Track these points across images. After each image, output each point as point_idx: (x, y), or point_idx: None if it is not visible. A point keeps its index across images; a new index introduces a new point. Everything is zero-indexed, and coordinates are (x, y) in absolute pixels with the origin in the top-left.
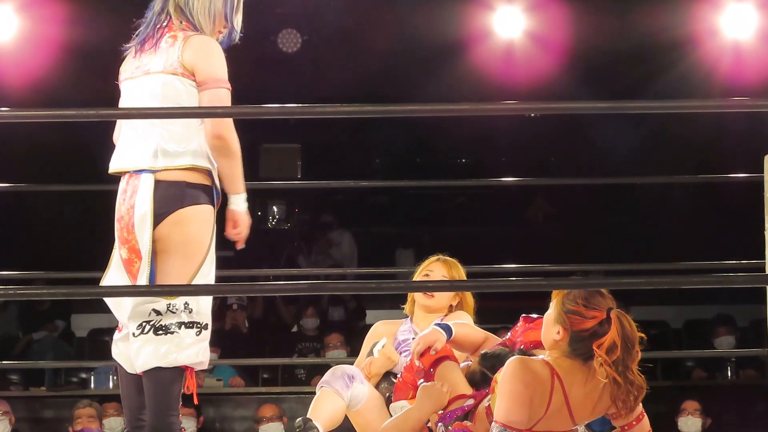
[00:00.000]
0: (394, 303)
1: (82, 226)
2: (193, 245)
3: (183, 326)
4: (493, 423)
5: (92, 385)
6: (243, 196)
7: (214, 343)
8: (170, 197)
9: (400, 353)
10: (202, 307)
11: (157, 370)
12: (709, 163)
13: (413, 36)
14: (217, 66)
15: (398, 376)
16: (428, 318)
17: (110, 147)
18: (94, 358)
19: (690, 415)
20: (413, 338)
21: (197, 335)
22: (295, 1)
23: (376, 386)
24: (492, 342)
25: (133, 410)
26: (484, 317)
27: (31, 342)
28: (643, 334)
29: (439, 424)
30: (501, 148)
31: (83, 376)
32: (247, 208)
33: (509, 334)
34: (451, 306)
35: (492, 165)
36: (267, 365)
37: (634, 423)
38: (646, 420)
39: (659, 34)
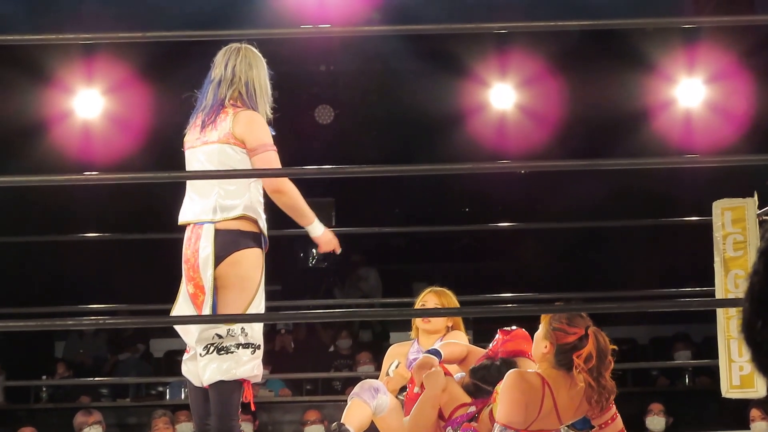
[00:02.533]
0: (411, 326)
1: (153, 267)
2: (247, 281)
3: (240, 347)
4: (495, 424)
5: (167, 397)
6: (315, 223)
7: (266, 361)
8: (227, 242)
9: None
10: (255, 331)
11: (220, 383)
12: (667, 209)
13: (423, 108)
14: (262, 134)
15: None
16: (430, 338)
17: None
18: (169, 375)
19: (655, 415)
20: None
21: (252, 354)
22: (328, 82)
23: (396, 397)
24: (475, 353)
25: (201, 417)
26: (487, 337)
27: (118, 362)
28: (614, 347)
29: (448, 428)
30: (496, 199)
31: (160, 389)
32: (324, 229)
33: (491, 345)
34: (447, 327)
35: (489, 213)
36: (309, 378)
37: (609, 422)
38: (619, 420)
39: (624, 104)
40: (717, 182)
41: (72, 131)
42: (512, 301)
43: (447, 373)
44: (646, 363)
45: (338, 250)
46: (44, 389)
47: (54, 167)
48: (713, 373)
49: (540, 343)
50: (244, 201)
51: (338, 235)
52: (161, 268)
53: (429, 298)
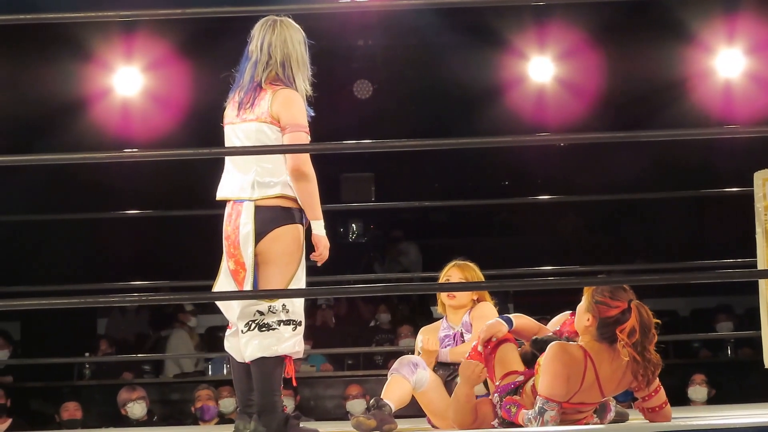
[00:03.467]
0: None
1: (194, 243)
2: (288, 257)
3: (282, 323)
4: (537, 396)
5: (210, 373)
6: (321, 222)
7: (307, 336)
8: (268, 219)
9: (444, 347)
10: (297, 307)
11: (262, 360)
12: (707, 180)
13: (462, 81)
14: (297, 114)
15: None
16: (458, 313)
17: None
18: (211, 350)
19: (698, 385)
20: (452, 332)
21: (293, 330)
22: (366, 56)
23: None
24: (544, 331)
25: (244, 392)
26: (526, 311)
27: (160, 339)
28: (658, 320)
29: (495, 394)
30: (535, 173)
31: (202, 365)
32: (324, 233)
33: (559, 327)
34: (473, 300)
35: (529, 186)
36: (351, 353)
37: (652, 394)
38: (662, 391)
39: (662, 75)
40: (757, 153)
41: (111, 108)
42: (553, 274)
43: (512, 341)
44: (687, 335)
45: (320, 264)
46: (87, 366)
47: (93, 145)
48: (756, 344)
49: (582, 316)
50: (282, 178)
51: (378, 210)
52: (202, 245)
53: (453, 272)
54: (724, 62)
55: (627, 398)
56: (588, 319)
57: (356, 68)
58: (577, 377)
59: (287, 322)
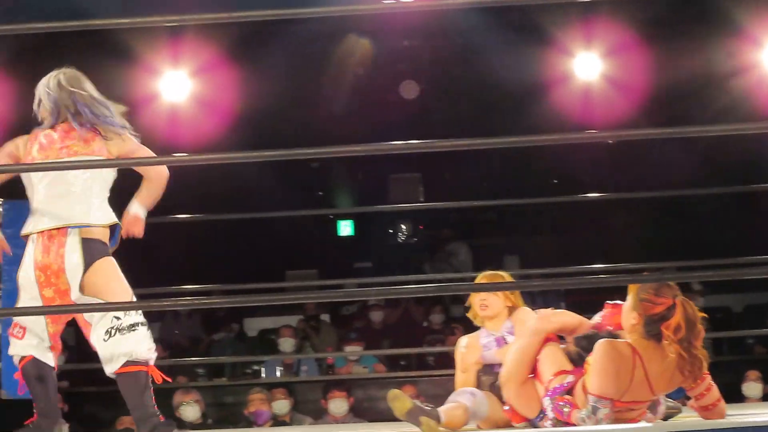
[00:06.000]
0: None
1: (244, 247)
2: None
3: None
4: (588, 395)
5: (263, 375)
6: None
7: (359, 338)
8: None
9: (488, 350)
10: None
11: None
12: (758, 175)
13: (507, 80)
14: None
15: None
16: (495, 322)
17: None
18: (264, 353)
19: (752, 381)
20: (493, 337)
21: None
22: (413, 58)
23: (477, 382)
24: (585, 325)
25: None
26: (577, 309)
27: (213, 342)
28: (704, 315)
29: (546, 398)
30: (584, 170)
31: (255, 368)
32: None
33: (600, 319)
34: (507, 308)
35: (578, 184)
36: (403, 354)
37: (704, 393)
38: (715, 389)
39: (710, 70)
40: None
41: (159, 114)
42: (602, 272)
43: (555, 340)
44: (741, 331)
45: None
46: None
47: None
48: None
49: (629, 314)
50: None
51: (427, 211)
52: (252, 248)
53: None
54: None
55: (680, 395)
56: (634, 317)
57: (402, 69)
58: (626, 374)
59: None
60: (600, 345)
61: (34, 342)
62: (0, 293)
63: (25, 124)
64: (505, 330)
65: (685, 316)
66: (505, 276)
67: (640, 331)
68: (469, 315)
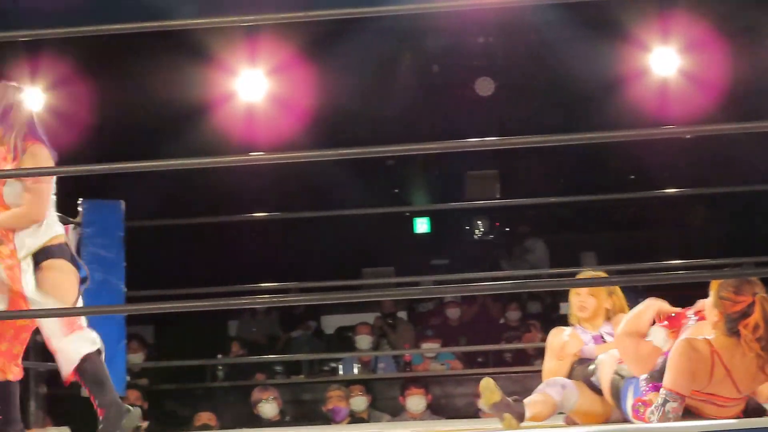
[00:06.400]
0: None
1: (320, 244)
2: None
3: None
4: (661, 389)
5: (340, 372)
6: None
7: (436, 335)
8: None
9: (587, 344)
10: None
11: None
12: None
13: (583, 76)
14: None
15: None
16: (593, 324)
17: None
18: (341, 351)
19: None
20: (592, 335)
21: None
22: (488, 54)
23: (570, 372)
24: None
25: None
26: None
27: (290, 339)
28: None
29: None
30: (661, 166)
31: (333, 365)
32: None
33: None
34: (606, 310)
35: (655, 180)
36: (480, 351)
37: None
38: None
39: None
40: None
41: (235, 113)
42: (682, 268)
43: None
44: None
45: None
46: (220, 368)
47: (218, 149)
48: None
49: (710, 312)
50: None
51: (504, 207)
52: (328, 246)
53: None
54: None
55: None
56: (716, 315)
57: (478, 66)
58: (704, 372)
59: None
60: (679, 343)
61: None
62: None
63: (108, 122)
64: (604, 331)
65: (764, 314)
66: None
67: (722, 328)
68: (571, 320)
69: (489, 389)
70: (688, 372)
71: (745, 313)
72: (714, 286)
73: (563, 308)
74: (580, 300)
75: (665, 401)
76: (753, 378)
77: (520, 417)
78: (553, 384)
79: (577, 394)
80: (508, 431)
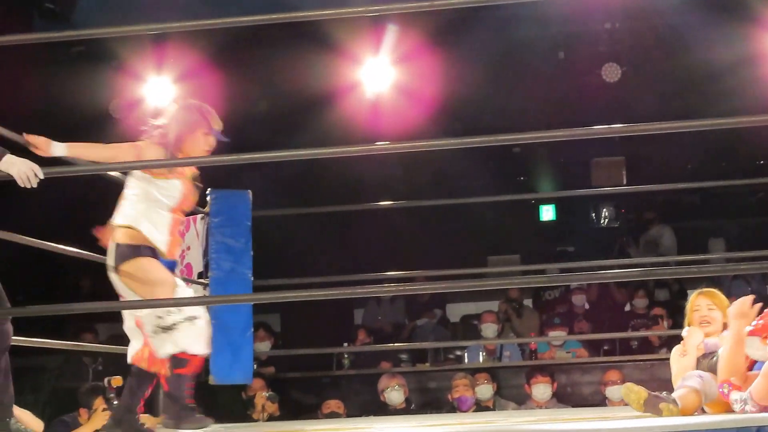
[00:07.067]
0: (709, 283)
1: (446, 234)
2: None
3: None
4: (749, 390)
5: (466, 360)
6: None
7: (562, 323)
8: None
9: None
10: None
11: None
12: None
13: (709, 60)
14: None
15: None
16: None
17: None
18: (466, 338)
19: None
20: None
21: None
22: (614, 40)
23: (697, 365)
24: None
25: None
26: None
27: (416, 327)
28: None
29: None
30: None
31: (458, 353)
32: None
33: None
34: (724, 324)
35: None
36: (607, 339)
37: None
38: None
39: None
40: None
41: (360, 103)
42: None
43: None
44: None
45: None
46: (346, 356)
47: (342, 139)
48: None
49: None
50: None
51: (630, 194)
52: (454, 234)
53: (701, 300)
54: None
55: None
56: None
57: (604, 52)
58: None
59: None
60: None
61: None
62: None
63: (235, 112)
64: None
65: None
66: (720, 295)
67: None
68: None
69: (632, 392)
70: None
71: None
72: None
73: (690, 296)
74: (701, 316)
75: (746, 402)
76: None
77: (676, 404)
78: (690, 377)
79: (715, 385)
80: (671, 417)
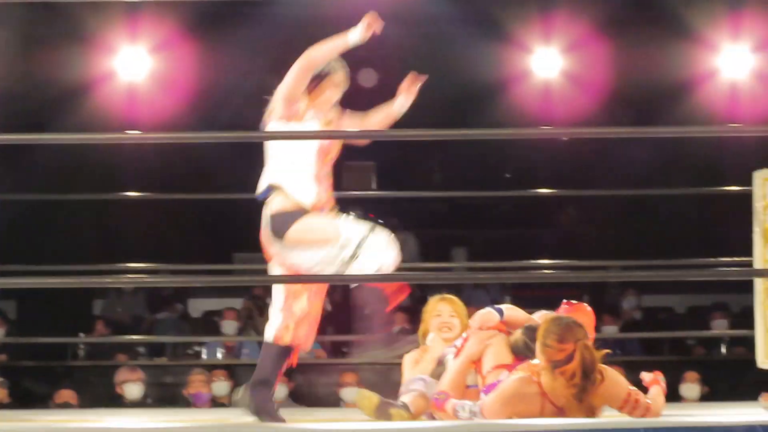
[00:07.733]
0: (450, 291)
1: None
2: None
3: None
4: (479, 401)
5: (204, 357)
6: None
7: None
8: None
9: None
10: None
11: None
12: (713, 178)
13: (467, 72)
14: None
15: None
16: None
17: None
18: (206, 334)
19: (690, 383)
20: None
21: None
22: (374, 46)
23: (433, 372)
24: (534, 322)
25: None
26: (524, 303)
27: (155, 321)
28: (607, 351)
29: (482, 393)
30: (538, 166)
31: (197, 349)
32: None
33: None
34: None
35: (531, 179)
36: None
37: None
38: (642, 399)
39: None
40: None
41: (116, 92)
42: (551, 268)
43: (504, 332)
44: (682, 332)
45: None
46: (81, 347)
47: (98, 126)
48: (750, 343)
49: (539, 357)
50: None
51: (378, 199)
52: (203, 229)
53: (443, 306)
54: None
55: None
56: (542, 361)
57: (362, 56)
58: (532, 412)
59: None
60: (516, 379)
61: None
62: None
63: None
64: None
65: (583, 363)
66: (459, 303)
67: (550, 370)
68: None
69: (364, 398)
70: (511, 410)
71: (565, 361)
72: (540, 333)
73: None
74: (442, 321)
75: (474, 413)
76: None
77: (407, 410)
78: (414, 381)
79: (436, 384)
80: (402, 422)
